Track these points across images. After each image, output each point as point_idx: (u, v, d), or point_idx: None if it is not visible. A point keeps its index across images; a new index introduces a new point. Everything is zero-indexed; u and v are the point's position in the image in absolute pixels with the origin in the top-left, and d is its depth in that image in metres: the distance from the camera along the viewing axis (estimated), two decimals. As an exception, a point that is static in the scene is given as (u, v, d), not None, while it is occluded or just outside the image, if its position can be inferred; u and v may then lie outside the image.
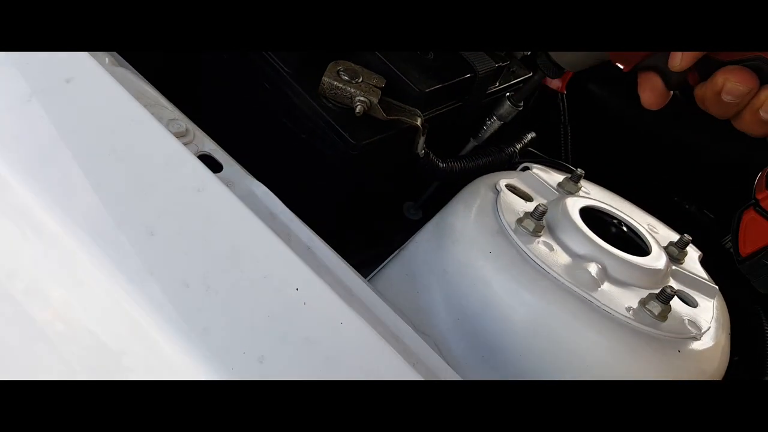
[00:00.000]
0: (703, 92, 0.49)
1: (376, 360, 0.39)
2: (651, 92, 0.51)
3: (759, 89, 0.46)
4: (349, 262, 0.79)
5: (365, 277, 0.65)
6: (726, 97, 0.47)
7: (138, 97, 0.50)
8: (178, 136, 0.49)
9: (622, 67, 0.58)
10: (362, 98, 0.62)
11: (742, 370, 0.92)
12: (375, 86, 0.63)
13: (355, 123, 0.62)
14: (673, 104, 0.97)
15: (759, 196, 0.51)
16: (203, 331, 0.35)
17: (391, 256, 0.64)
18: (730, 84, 0.46)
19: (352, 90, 0.62)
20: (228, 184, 0.47)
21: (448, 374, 0.45)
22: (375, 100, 0.62)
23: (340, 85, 0.62)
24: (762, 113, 0.46)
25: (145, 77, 0.59)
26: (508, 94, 0.73)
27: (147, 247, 0.36)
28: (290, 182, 0.71)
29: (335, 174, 0.66)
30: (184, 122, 0.51)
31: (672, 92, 0.53)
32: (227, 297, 0.37)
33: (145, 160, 0.40)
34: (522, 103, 0.73)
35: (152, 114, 0.48)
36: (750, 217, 0.51)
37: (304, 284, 0.39)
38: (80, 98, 0.42)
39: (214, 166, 0.49)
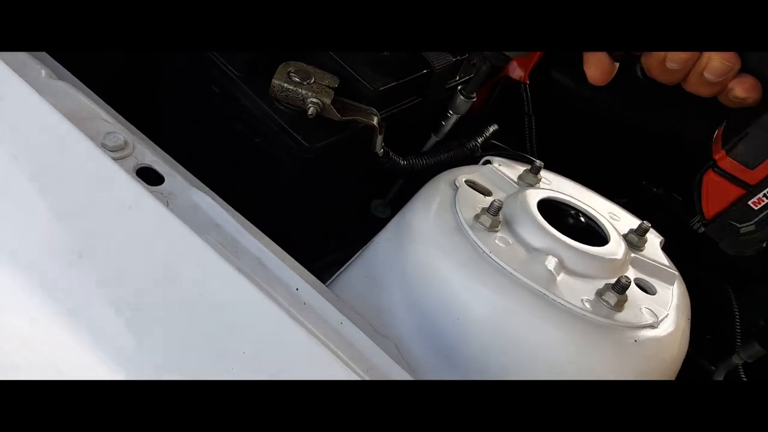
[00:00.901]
0: (648, 62, 0.49)
1: (322, 373, 0.38)
2: (596, 68, 0.51)
3: (700, 52, 0.46)
4: (316, 265, 0.79)
5: (330, 280, 0.64)
6: (670, 65, 0.47)
7: (73, 112, 0.49)
8: (115, 149, 0.48)
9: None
10: (314, 99, 0.61)
11: (713, 348, 0.94)
12: (328, 86, 0.62)
13: (309, 125, 0.61)
14: (637, 87, 0.97)
15: (716, 157, 0.50)
16: (134, 354, 0.34)
17: (351, 259, 0.63)
18: (671, 53, 0.46)
19: (304, 92, 0.61)
20: (168, 197, 0.46)
21: (402, 376, 0.45)
22: (328, 101, 0.61)
23: (291, 87, 0.60)
24: (707, 75, 0.46)
25: (96, 86, 0.57)
26: (459, 87, 0.73)
27: (74, 270, 0.35)
28: (248, 188, 0.70)
29: (293, 178, 0.65)
30: (123, 135, 0.49)
31: (618, 65, 0.52)
32: (160, 318, 0.36)
33: (71, 180, 0.39)
34: (474, 95, 0.73)
35: (87, 129, 0.47)
36: (710, 178, 0.50)
37: (244, 300, 0.38)
38: (2, 118, 0.40)
39: (155, 179, 0.48)
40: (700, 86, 0.48)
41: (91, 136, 0.48)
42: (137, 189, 0.41)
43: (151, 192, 0.46)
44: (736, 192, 0.48)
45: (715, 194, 0.50)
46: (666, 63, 0.47)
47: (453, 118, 0.74)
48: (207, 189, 0.54)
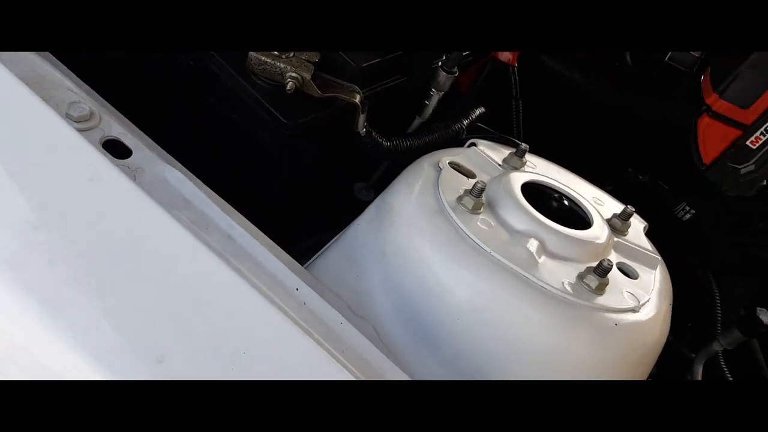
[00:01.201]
0: None
1: (293, 352, 0.36)
2: None
3: None
4: (296, 248, 0.77)
5: (308, 262, 0.62)
6: None
7: (36, 79, 0.46)
8: (80, 120, 0.45)
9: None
10: (294, 74, 0.58)
11: (693, 335, 0.94)
12: (308, 61, 0.60)
13: (287, 101, 0.59)
14: (626, 74, 0.96)
15: (709, 101, 0.50)
16: (96, 332, 0.33)
17: (331, 241, 0.62)
18: None
19: (283, 65, 0.58)
20: (136, 171, 0.44)
21: (380, 359, 0.43)
22: (308, 76, 0.59)
23: (269, 60, 0.58)
24: None
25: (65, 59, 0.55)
26: (439, 62, 0.71)
27: (30, 243, 0.33)
28: (224, 165, 0.68)
29: (270, 155, 0.63)
30: (89, 105, 0.47)
31: None
32: (123, 294, 0.34)
33: (27, 149, 0.37)
34: (456, 69, 0.71)
35: (50, 97, 0.45)
36: (705, 123, 0.51)
37: (213, 276, 0.36)
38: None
39: (122, 151, 0.46)
40: None
41: (55, 106, 0.46)
42: (100, 161, 0.38)
43: (117, 165, 0.44)
44: (733, 133, 0.49)
45: (712, 138, 0.50)
46: None
47: (436, 96, 0.73)
48: (178, 164, 0.52)
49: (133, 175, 0.44)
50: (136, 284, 0.35)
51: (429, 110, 0.74)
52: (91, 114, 0.47)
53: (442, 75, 0.71)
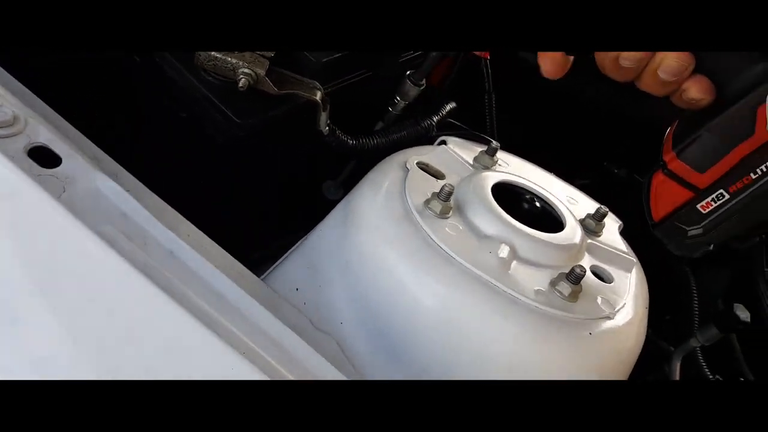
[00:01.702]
0: (601, 59, 0.47)
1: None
2: (551, 62, 0.48)
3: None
4: (257, 254, 0.73)
5: (266, 272, 0.59)
6: (623, 62, 0.45)
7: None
8: (2, 126, 0.41)
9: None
10: (246, 70, 0.54)
11: (672, 329, 0.93)
12: (262, 56, 0.56)
13: (241, 99, 0.55)
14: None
15: (666, 158, 0.48)
16: (9, 372, 0.29)
17: (292, 248, 0.58)
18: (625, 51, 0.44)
19: (234, 61, 0.54)
20: (65, 181, 0.40)
21: (337, 377, 0.40)
22: (262, 72, 0.55)
23: (219, 56, 0.54)
24: (661, 74, 0.45)
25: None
26: (408, 72, 0.68)
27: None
28: (174, 168, 0.64)
29: (224, 157, 0.59)
30: (13, 108, 0.43)
31: (572, 58, 0.49)
32: (42, 328, 0.30)
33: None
34: (424, 82, 0.68)
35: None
36: (659, 180, 0.49)
37: (146, 303, 0.32)
38: None
39: (50, 159, 0.41)
40: (654, 85, 0.46)
41: (-27, 111, 0.41)
42: (15, 175, 0.34)
43: (44, 176, 0.40)
44: (685, 195, 0.47)
45: (664, 196, 0.49)
46: (619, 60, 0.45)
47: (401, 104, 0.69)
48: (122, 171, 0.48)
49: (63, 187, 0.40)
50: (58, 316, 0.31)
51: (392, 117, 0.71)
52: (15, 118, 0.42)
53: (409, 85, 0.68)
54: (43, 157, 0.41)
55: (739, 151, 0.44)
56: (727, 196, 0.45)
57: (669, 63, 0.44)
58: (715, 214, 0.46)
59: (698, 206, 0.46)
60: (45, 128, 0.42)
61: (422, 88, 0.69)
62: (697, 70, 0.45)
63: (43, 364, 0.30)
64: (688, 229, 0.47)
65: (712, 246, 0.48)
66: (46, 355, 0.30)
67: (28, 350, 0.30)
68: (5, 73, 0.48)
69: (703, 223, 0.47)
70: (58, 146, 0.42)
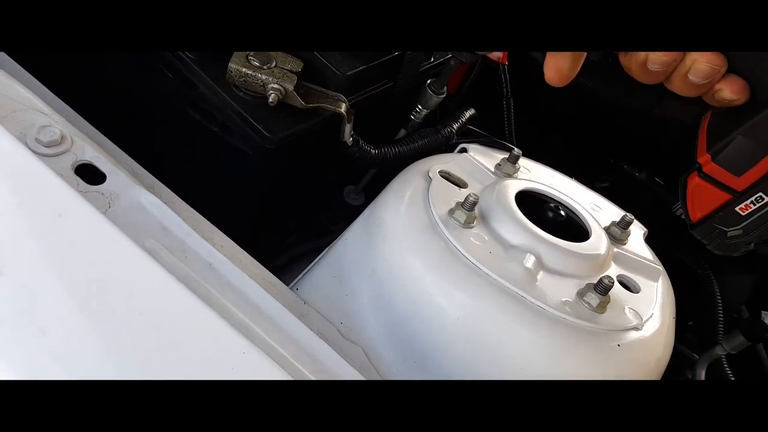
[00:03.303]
0: (628, 61, 0.46)
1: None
2: (556, 72, 0.47)
3: (685, 53, 0.43)
4: (283, 258, 0.75)
5: (297, 276, 0.60)
6: (652, 67, 0.44)
7: (2, 102, 0.44)
8: (51, 145, 0.43)
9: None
10: (276, 86, 0.56)
11: (695, 334, 0.92)
12: (290, 71, 0.58)
13: (270, 113, 0.57)
14: (620, 71, 0.94)
15: (701, 161, 0.47)
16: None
17: (319, 256, 0.60)
18: (654, 54, 0.43)
19: (264, 77, 0.56)
20: (110, 198, 0.42)
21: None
22: (290, 87, 0.56)
23: (250, 72, 0.56)
24: (691, 77, 0.43)
25: (36, 71, 0.52)
26: (428, 81, 0.68)
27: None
28: (207, 181, 0.66)
29: (255, 170, 0.61)
30: (61, 128, 0.44)
31: (579, 66, 0.49)
32: (93, 341, 0.31)
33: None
34: (444, 89, 0.69)
35: (18, 121, 0.42)
36: (695, 182, 0.48)
37: (189, 316, 0.34)
38: None
39: (96, 177, 0.43)
40: (685, 87, 0.45)
41: (23, 130, 0.43)
42: (68, 194, 0.36)
43: (90, 193, 0.42)
44: (722, 197, 0.46)
45: (701, 199, 0.48)
46: (647, 65, 0.44)
47: (423, 112, 0.70)
48: (160, 185, 0.49)
49: (108, 203, 0.42)
50: (109, 330, 0.33)
51: (414, 125, 0.72)
52: (63, 138, 0.44)
53: (429, 95, 0.69)
54: (89, 174, 0.42)
55: None
56: (766, 199, 0.44)
57: (700, 66, 0.42)
58: (755, 216, 0.45)
59: (737, 209, 0.46)
60: (90, 146, 0.44)
61: (443, 96, 0.70)
62: (730, 70, 0.43)
63: (93, 376, 0.32)
64: (727, 230, 0.47)
65: (753, 245, 0.47)
66: (97, 368, 0.32)
67: (79, 363, 0.32)
68: (49, 92, 0.51)
69: (743, 224, 0.46)
70: (103, 163, 0.44)
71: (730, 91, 0.43)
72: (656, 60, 0.43)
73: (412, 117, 0.71)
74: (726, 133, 0.45)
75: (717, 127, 0.47)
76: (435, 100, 0.69)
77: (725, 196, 0.46)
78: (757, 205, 0.45)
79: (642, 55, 0.44)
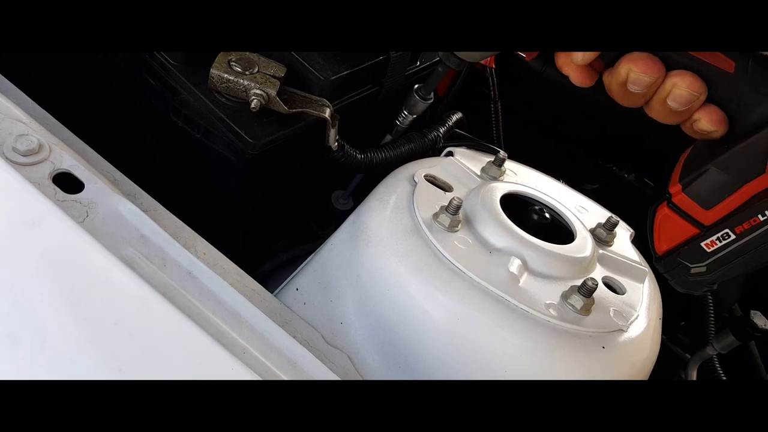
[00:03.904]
0: (609, 81, 0.45)
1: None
2: (579, 71, 0.46)
3: (665, 76, 0.42)
4: (269, 265, 0.74)
5: (280, 287, 0.60)
6: (632, 88, 0.43)
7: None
8: (28, 154, 0.43)
9: (524, 55, 0.54)
10: (258, 91, 0.56)
11: (687, 335, 0.92)
12: (273, 76, 0.57)
13: (253, 119, 0.57)
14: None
15: (671, 191, 0.46)
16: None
17: (305, 262, 0.59)
18: (633, 74, 0.43)
19: (246, 82, 0.56)
20: (88, 206, 0.41)
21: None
22: (273, 93, 0.56)
23: (232, 78, 0.55)
24: (670, 102, 0.43)
25: (17, 77, 0.52)
26: (416, 86, 0.68)
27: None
28: (190, 188, 0.65)
29: (238, 176, 0.60)
30: (39, 136, 0.44)
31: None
32: (68, 353, 0.31)
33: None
34: (432, 95, 0.68)
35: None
36: (663, 213, 0.47)
37: (166, 325, 0.34)
38: None
39: (74, 185, 0.43)
40: (664, 114, 0.44)
41: (0, 139, 0.43)
42: (41, 203, 0.36)
43: (68, 202, 0.41)
44: (689, 231, 0.45)
45: (668, 230, 0.46)
46: (627, 86, 0.43)
47: (409, 118, 0.70)
48: (143, 193, 0.49)
49: (85, 212, 0.42)
50: (84, 340, 0.32)
51: (401, 130, 0.71)
52: (40, 146, 0.44)
53: (416, 100, 0.68)
54: (67, 183, 0.42)
55: (747, 190, 0.42)
56: (732, 236, 0.43)
57: (679, 92, 0.42)
58: (720, 254, 0.44)
59: (702, 244, 0.44)
60: (68, 155, 0.44)
61: (430, 102, 0.69)
62: (710, 100, 0.43)
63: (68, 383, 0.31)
64: (691, 266, 0.46)
65: (716, 285, 0.46)
66: (71, 375, 0.32)
67: (53, 374, 0.31)
68: (30, 100, 0.50)
69: (707, 262, 0.45)
70: (81, 172, 0.43)
71: (708, 121, 0.42)
72: (636, 80, 0.43)
73: (398, 122, 0.70)
74: (701, 165, 0.44)
75: (694, 160, 0.46)
76: (422, 105, 0.69)
77: (692, 230, 0.45)
78: (723, 242, 0.43)
79: (623, 74, 0.43)
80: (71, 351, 0.32)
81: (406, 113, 0.70)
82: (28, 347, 0.31)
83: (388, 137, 0.72)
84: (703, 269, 0.45)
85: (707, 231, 0.44)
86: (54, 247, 0.34)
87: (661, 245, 0.47)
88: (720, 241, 0.44)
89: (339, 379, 0.40)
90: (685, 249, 0.45)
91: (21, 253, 0.33)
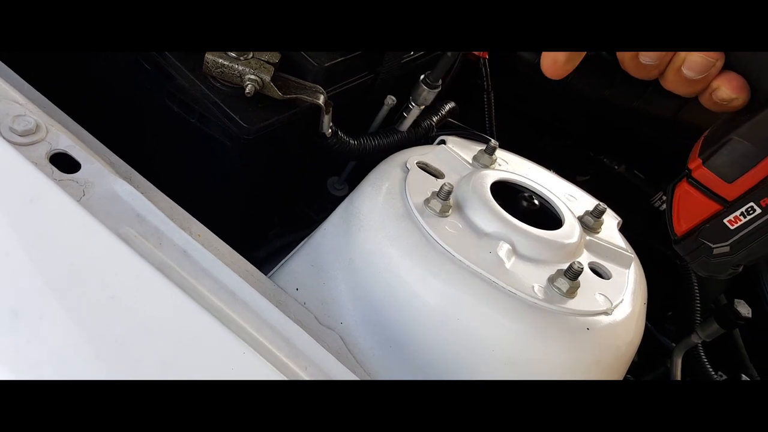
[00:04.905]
0: (621, 55, 0.43)
1: (249, 373, 0.35)
2: (552, 64, 0.43)
3: None
4: (263, 251, 0.75)
5: (274, 269, 0.61)
6: (644, 59, 0.41)
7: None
8: (25, 134, 0.43)
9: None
10: (252, 76, 0.56)
11: (674, 324, 0.94)
12: (267, 62, 0.58)
13: (248, 104, 0.57)
14: (600, 62, 0.95)
15: (691, 166, 0.43)
16: (35, 366, 0.31)
17: (298, 246, 0.60)
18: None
19: (241, 68, 0.56)
20: (85, 186, 0.42)
21: (344, 374, 0.42)
22: (267, 78, 0.57)
23: (227, 63, 0.56)
24: (685, 71, 0.40)
25: (13, 62, 0.52)
26: (422, 76, 0.68)
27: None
28: (185, 172, 0.66)
29: (233, 160, 0.61)
30: (35, 117, 0.45)
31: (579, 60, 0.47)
32: (65, 324, 0.32)
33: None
34: (440, 83, 0.68)
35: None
36: (683, 190, 0.44)
37: (163, 300, 0.34)
38: None
39: (71, 165, 0.43)
40: (679, 84, 0.41)
41: (-3, 120, 0.43)
42: (40, 180, 0.36)
43: (65, 181, 0.42)
44: (711, 207, 0.42)
45: (688, 208, 0.43)
46: (639, 58, 0.41)
47: (416, 110, 0.69)
48: (137, 175, 0.50)
49: (82, 191, 0.42)
50: (81, 313, 0.33)
51: (407, 123, 0.71)
52: (37, 127, 0.45)
53: (424, 89, 0.67)
54: (64, 163, 0.43)
55: None
56: (758, 210, 0.40)
57: (694, 59, 0.39)
58: (745, 231, 0.41)
59: (725, 220, 0.41)
60: (65, 135, 0.44)
61: (438, 89, 0.68)
62: (728, 66, 0.40)
63: (65, 359, 0.32)
64: (713, 246, 0.42)
65: (740, 268, 0.44)
66: (68, 351, 0.32)
67: (51, 346, 0.32)
68: (25, 83, 0.51)
69: (731, 240, 0.42)
70: (77, 152, 0.44)
71: (728, 89, 0.39)
72: (648, 53, 0.40)
73: (405, 114, 0.70)
74: (722, 137, 0.41)
75: (714, 134, 0.43)
76: (431, 95, 0.68)
77: (714, 206, 0.42)
78: (748, 217, 0.41)
79: None
80: (69, 324, 0.33)
81: (413, 104, 0.69)
82: (26, 321, 0.32)
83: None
84: (727, 249, 0.42)
85: (730, 206, 0.41)
86: (54, 224, 0.35)
87: (681, 225, 0.44)
88: (744, 216, 0.41)
89: (333, 357, 0.41)
90: (706, 228, 0.43)
91: (20, 229, 0.34)
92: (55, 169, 0.42)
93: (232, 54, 0.56)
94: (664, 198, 0.95)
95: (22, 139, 0.43)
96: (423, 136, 0.74)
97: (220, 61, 0.56)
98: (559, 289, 0.48)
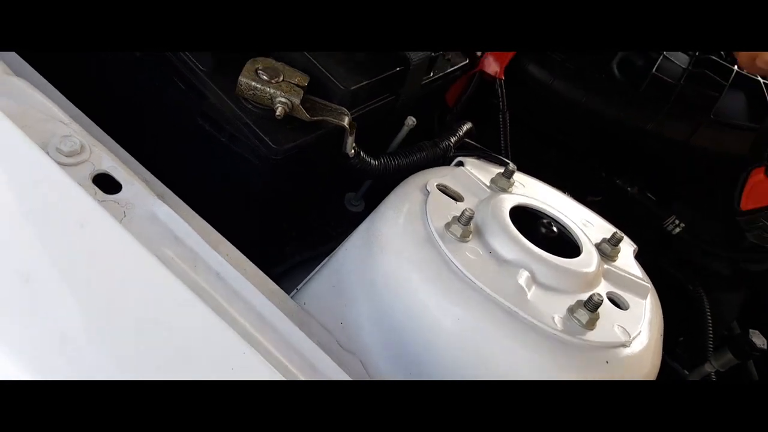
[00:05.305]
0: (741, 57, 0.51)
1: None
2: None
3: None
4: (284, 266, 0.77)
5: (298, 285, 0.62)
6: (760, 63, 0.48)
7: (25, 112, 0.45)
8: (71, 155, 0.45)
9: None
10: (283, 99, 0.58)
11: (686, 350, 0.94)
12: (297, 85, 0.60)
13: (277, 126, 0.59)
14: (613, 84, 0.96)
15: None
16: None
17: (320, 265, 0.62)
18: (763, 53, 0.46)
19: (272, 90, 0.58)
20: (126, 207, 0.44)
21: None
22: (297, 101, 0.58)
23: (259, 86, 0.58)
24: None
25: (54, 79, 0.54)
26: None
27: (21, 295, 0.33)
28: (215, 190, 0.68)
29: (261, 179, 0.63)
30: (80, 138, 0.46)
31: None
32: (111, 348, 0.33)
33: (18, 193, 0.36)
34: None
35: (40, 131, 0.44)
36: (759, 178, 0.52)
37: (198, 322, 0.36)
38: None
39: (112, 186, 0.45)
40: None
41: (45, 140, 0.45)
42: (89, 204, 0.38)
43: (107, 202, 0.44)
44: None
45: (758, 193, 0.52)
46: (756, 62, 0.47)
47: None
48: (170, 193, 0.51)
49: (123, 212, 0.44)
50: (126, 336, 0.34)
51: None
52: (82, 147, 0.46)
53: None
54: (106, 184, 0.44)
55: None
56: None
57: None
58: None
59: None
60: (107, 156, 0.46)
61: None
62: None
63: (107, 377, 0.34)
64: None
65: None
66: (110, 372, 0.34)
67: (93, 366, 0.34)
68: (68, 101, 0.52)
69: None
70: (118, 173, 0.45)
71: None
72: (766, 57, 0.45)
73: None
74: None
75: None
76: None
77: None
78: None
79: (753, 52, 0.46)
80: (107, 344, 0.34)
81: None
82: (75, 341, 0.33)
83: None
84: None
85: None
86: (99, 246, 0.37)
87: (748, 203, 0.53)
88: None
89: (346, 377, 0.43)
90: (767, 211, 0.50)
91: (70, 253, 0.36)
92: (98, 189, 0.43)
93: (264, 77, 0.58)
94: (677, 222, 0.96)
95: (68, 160, 0.44)
96: (441, 156, 0.75)
97: (253, 83, 0.57)
98: (578, 320, 0.49)
